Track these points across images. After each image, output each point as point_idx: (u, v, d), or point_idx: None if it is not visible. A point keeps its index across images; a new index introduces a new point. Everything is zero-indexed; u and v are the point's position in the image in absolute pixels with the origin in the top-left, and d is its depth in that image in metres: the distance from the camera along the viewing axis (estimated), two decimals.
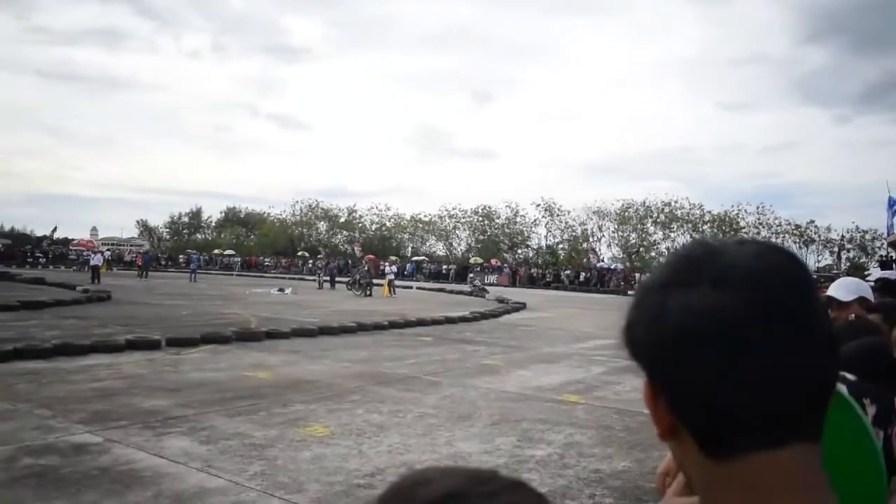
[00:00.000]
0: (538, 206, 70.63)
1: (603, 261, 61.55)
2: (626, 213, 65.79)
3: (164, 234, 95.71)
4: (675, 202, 64.13)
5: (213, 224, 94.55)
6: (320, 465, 6.15)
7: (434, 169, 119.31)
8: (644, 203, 65.17)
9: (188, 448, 6.51)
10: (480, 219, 73.62)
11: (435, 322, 19.39)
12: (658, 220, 64.70)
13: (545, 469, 6.30)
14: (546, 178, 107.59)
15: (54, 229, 65.38)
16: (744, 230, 60.80)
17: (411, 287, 42.48)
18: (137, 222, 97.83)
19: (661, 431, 0.66)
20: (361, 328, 16.82)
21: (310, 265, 59.45)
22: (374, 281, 33.92)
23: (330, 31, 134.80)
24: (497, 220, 73.10)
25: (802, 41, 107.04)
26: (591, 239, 67.49)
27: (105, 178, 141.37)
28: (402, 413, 8.29)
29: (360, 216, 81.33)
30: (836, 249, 51.32)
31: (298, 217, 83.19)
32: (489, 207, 73.21)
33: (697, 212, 63.56)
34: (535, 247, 72.88)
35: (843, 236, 55.71)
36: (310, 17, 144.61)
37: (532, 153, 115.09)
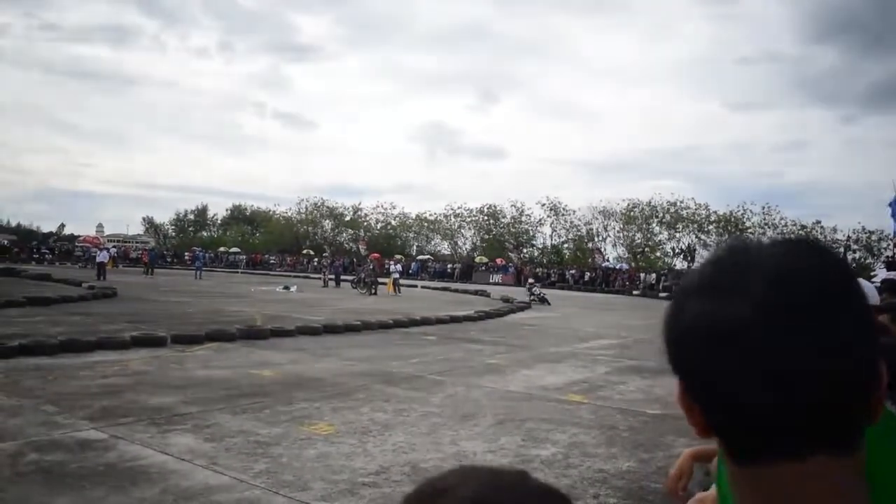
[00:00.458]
0: (543, 205, 70.67)
1: (608, 261, 61.51)
2: (632, 213, 65.70)
3: (170, 231, 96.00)
4: (681, 202, 64.05)
5: (219, 221, 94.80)
6: (325, 463, 6.16)
7: (440, 168, 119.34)
8: (649, 203, 65.11)
9: (193, 445, 6.53)
10: (486, 218, 73.62)
11: (440, 321, 19.40)
12: (663, 220, 64.59)
13: (549, 469, 6.30)
14: (552, 177, 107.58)
15: (61, 226, 65.72)
16: (749, 230, 60.67)
17: (416, 286, 42.48)
18: (143, 219, 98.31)
19: (695, 430, 0.65)
20: (366, 327, 16.84)
21: (315, 263, 59.55)
22: (379, 279, 33.96)
23: (337, 29, 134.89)
24: (502, 220, 73.10)
25: (810, 41, 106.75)
26: (596, 239, 67.45)
27: (112, 174, 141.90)
28: (406, 412, 8.30)
29: (366, 215, 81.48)
30: (841, 250, 51.19)
31: (304, 215, 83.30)
32: (494, 207, 73.27)
33: (703, 212, 63.40)
34: (541, 246, 72.89)
35: (849, 237, 55.54)
36: (318, 15, 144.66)
37: (539, 152, 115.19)
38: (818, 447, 0.58)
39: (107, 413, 7.53)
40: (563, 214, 69.99)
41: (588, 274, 54.19)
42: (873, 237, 55.69)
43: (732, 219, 61.54)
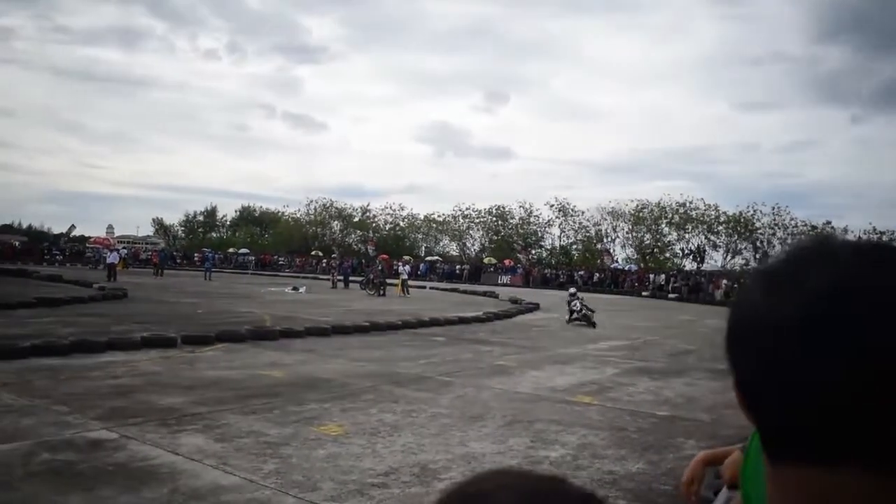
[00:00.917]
0: (552, 206, 70.58)
1: (617, 262, 61.37)
2: (641, 214, 65.52)
3: (180, 232, 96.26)
4: (690, 202, 63.83)
5: (228, 223, 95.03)
6: (334, 463, 6.17)
7: (448, 168, 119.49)
8: (659, 203, 64.91)
9: (203, 445, 6.55)
10: (494, 219, 73.56)
11: (448, 322, 19.40)
12: (673, 220, 64.38)
13: (558, 470, 6.29)
14: (560, 177, 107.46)
15: (72, 227, 65.98)
16: (759, 231, 60.50)
17: (425, 287, 42.48)
18: (153, 220, 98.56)
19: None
20: (375, 328, 16.85)
21: (324, 264, 59.64)
22: (388, 280, 33.98)
23: (346, 31, 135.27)
24: (511, 221, 73.04)
25: (819, 40, 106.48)
26: (605, 240, 67.30)
27: (122, 176, 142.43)
28: (415, 413, 8.30)
29: (374, 216, 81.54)
30: None
31: (313, 216, 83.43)
32: (503, 207, 73.23)
33: (712, 212, 63.15)
34: (549, 247, 72.80)
35: (859, 238, 55.07)
36: (326, 16, 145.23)
37: (546, 152, 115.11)
38: (850, 457, 0.55)
39: (117, 413, 7.57)
40: (571, 215, 69.95)
41: (597, 275, 54.05)
42: (884, 237, 55.41)
43: (742, 219, 61.24)
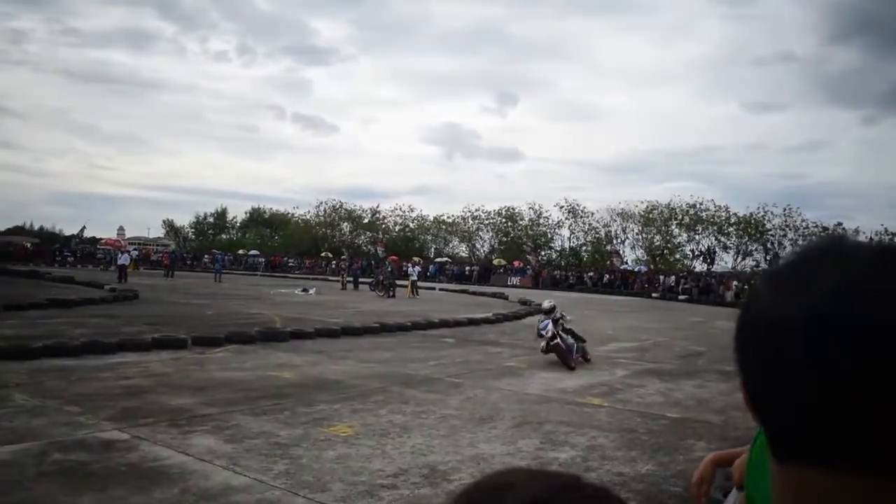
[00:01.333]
0: (561, 207, 70.45)
1: (626, 263, 61.21)
2: (651, 215, 65.29)
3: (190, 233, 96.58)
4: (700, 204, 63.55)
5: (238, 224, 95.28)
6: (344, 464, 6.18)
7: (457, 170, 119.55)
8: (668, 205, 64.67)
9: (214, 446, 6.58)
10: (504, 220, 73.47)
11: (458, 323, 19.39)
12: (683, 222, 64.14)
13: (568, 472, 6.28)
14: (569, 178, 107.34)
15: (83, 228, 66.35)
16: (770, 233, 60.20)
17: (434, 288, 42.49)
18: (164, 222, 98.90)
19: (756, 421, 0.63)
20: (385, 329, 16.87)
21: (333, 266, 59.73)
22: (397, 282, 33.99)
23: (355, 33, 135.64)
24: (520, 222, 72.93)
25: (829, 41, 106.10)
26: (614, 241, 67.13)
27: (132, 177, 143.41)
28: (425, 414, 8.31)
29: (384, 217, 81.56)
30: None
31: (322, 218, 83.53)
32: (512, 209, 73.11)
33: (723, 214, 62.87)
34: (559, 249, 72.67)
35: (871, 240, 54.73)
36: (335, 18, 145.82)
37: (555, 153, 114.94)
38: (856, 459, 0.54)
39: (129, 414, 7.60)
40: (581, 216, 69.75)
41: (606, 276, 53.94)
42: (895, 239, 55.02)
43: (753, 221, 60.95)
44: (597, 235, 69.35)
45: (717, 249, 62.62)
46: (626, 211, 66.56)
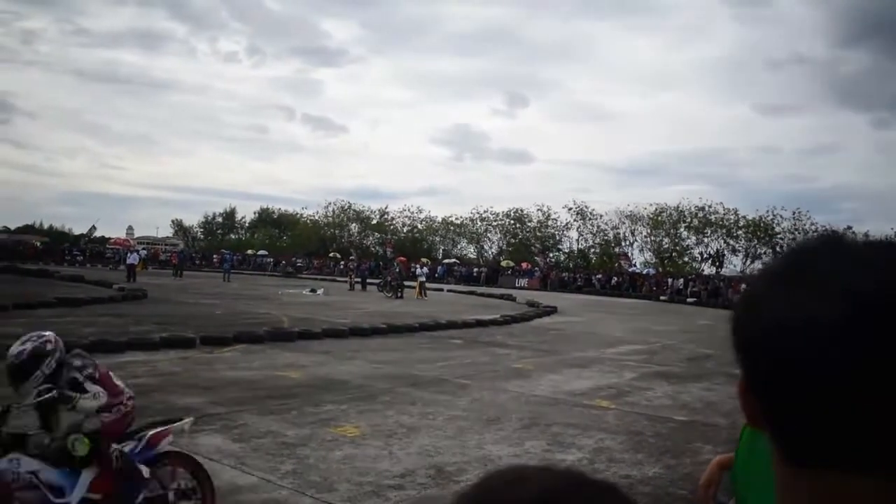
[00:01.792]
0: (570, 209, 70.35)
1: (635, 266, 61.07)
2: (659, 218, 65.12)
3: (199, 233, 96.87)
4: (709, 207, 63.35)
5: (247, 224, 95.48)
6: (351, 464, 6.19)
7: (466, 171, 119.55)
8: (677, 207, 64.49)
9: (222, 445, 6.60)
10: (512, 222, 73.40)
11: (466, 325, 19.38)
12: (692, 224, 63.96)
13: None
14: (578, 180, 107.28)
15: (92, 227, 66.54)
16: (779, 236, 59.95)
17: (442, 289, 42.48)
18: (172, 222, 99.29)
19: (750, 422, 0.61)
20: (392, 330, 16.88)
21: (341, 266, 59.78)
22: (405, 283, 33.98)
23: (365, 34, 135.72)
24: (528, 224, 72.84)
25: (841, 44, 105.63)
26: (623, 243, 66.99)
27: (142, 177, 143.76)
28: (432, 415, 8.31)
29: (392, 218, 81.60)
30: None
31: (331, 218, 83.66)
32: (521, 210, 73.03)
33: (732, 217, 62.66)
34: (567, 251, 72.56)
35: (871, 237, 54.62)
36: (345, 19, 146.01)
37: (564, 155, 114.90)
38: (878, 464, 0.53)
39: (137, 413, 7.60)
40: (589, 219, 69.64)
41: (615, 279, 53.83)
42: None
43: (762, 224, 60.73)
44: (605, 238, 69.24)
45: (725, 252, 62.46)
46: (634, 213, 66.46)
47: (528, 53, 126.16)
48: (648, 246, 66.88)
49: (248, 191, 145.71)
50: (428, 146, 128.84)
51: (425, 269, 37.94)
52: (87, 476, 4.05)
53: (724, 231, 62.58)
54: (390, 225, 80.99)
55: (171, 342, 12.54)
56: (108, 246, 65.80)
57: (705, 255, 63.70)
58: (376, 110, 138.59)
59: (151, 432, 4.46)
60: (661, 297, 46.14)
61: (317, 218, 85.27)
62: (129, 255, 39.59)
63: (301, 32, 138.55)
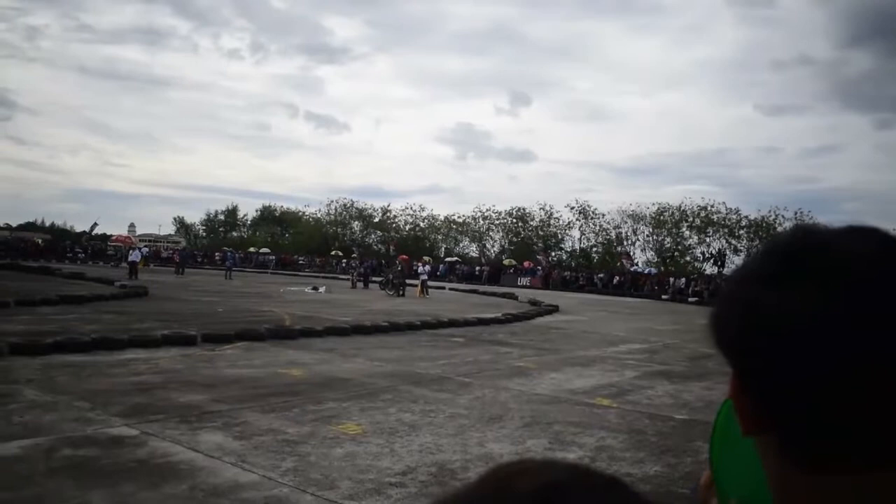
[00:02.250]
0: (572, 208, 70.35)
1: (637, 265, 61.04)
2: (661, 217, 65.13)
3: (201, 231, 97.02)
4: (712, 206, 63.35)
5: (249, 222, 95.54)
6: (352, 462, 6.19)
7: (469, 170, 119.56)
8: (680, 207, 64.51)
9: (223, 443, 6.60)
10: (514, 220, 73.41)
11: (467, 323, 19.38)
12: (694, 224, 63.95)
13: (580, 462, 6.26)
14: (580, 179, 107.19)
15: (94, 225, 66.52)
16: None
17: (444, 288, 42.50)
18: (174, 219, 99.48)
19: (745, 427, 0.59)
20: (394, 328, 16.88)
21: (343, 264, 59.82)
22: (407, 281, 33.99)
23: (369, 32, 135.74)
24: (531, 223, 72.87)
25: (844, 44, 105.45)
26: (625, 242, 66.97)
27: (144, 174, 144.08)
28: (434, 413, 8.31)
29: (394, 216, 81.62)
30: None
31: (333, 216, 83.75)
32: (523, 209, 73.06)
33: (734, 217, 62.66)
34: (569, 250, 72.58)
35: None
36: (349, 17, 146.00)
37: (567, 154, 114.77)
38: (879, 461, 0.52)
39: (138, 410, 7.63)
40: (592, 218, 69.65)
41: (616, 278, 53.81)
42: None
43: (764, 224, 60.67)
44: (607, 237, 69.25)
45: (727, 252, 62.38)
46: (636, 213, 66.50)
47: (531, 53, 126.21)
48: (650, 245, 67.01)
49: (251, 188, 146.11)
50: (431, 145, 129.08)
51: (427, 268, 37.90)
52: None
53: (726, 231, 62.60)
54: (393, 223, 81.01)
55: (173, 340, 12.54)
56: (109, 243, 65.92)
57: (707, 255, 63.64)
58: (379, 108, 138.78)
59: None
60: (663, 297, 46.13)
61: (319, 216, 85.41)
62: (130, 252, 39.69)
63: (304, 30, 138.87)
